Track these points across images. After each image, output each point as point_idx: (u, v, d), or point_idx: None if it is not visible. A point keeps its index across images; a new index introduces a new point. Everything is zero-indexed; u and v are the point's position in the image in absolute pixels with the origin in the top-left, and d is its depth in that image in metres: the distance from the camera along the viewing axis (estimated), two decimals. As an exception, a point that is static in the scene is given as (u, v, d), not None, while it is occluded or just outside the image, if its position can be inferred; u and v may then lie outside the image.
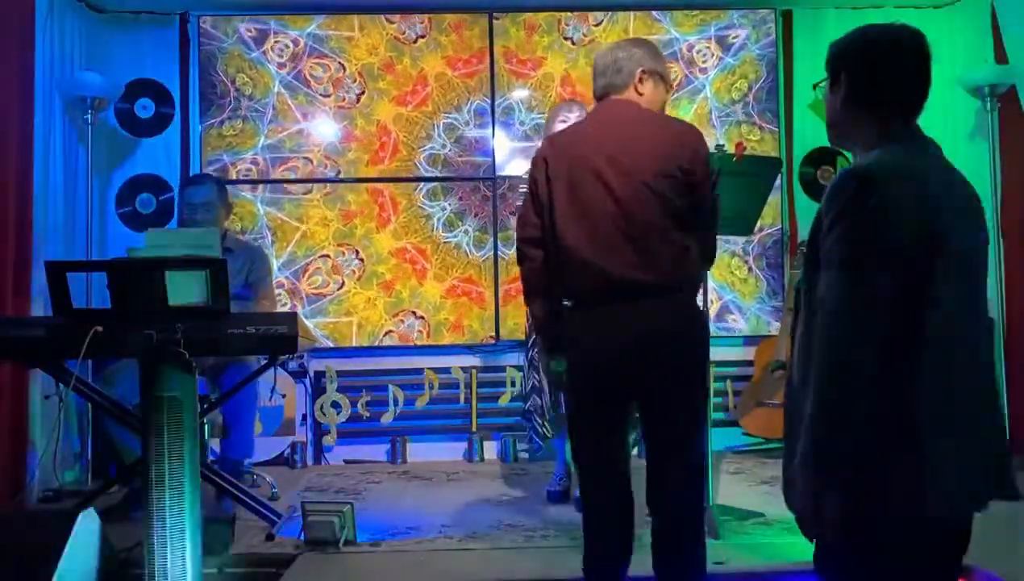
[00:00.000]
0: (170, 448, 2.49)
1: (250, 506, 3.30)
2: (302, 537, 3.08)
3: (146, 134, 4.81)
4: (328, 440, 4.78)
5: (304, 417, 4.78)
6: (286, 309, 4.67)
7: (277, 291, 4.48)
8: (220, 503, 3.41)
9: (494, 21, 4.91)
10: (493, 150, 4.90)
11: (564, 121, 3.51)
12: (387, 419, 4.80)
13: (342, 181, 4.85)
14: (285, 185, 4.84)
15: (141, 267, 2.83)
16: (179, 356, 2.59)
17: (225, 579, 2.89)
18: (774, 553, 2.94)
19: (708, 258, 2.40)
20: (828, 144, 1.92)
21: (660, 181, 2.21)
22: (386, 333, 4.82)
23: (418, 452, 4.77)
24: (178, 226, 4.52)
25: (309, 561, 2.95)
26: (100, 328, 2.69)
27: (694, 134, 2.34)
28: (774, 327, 4.84)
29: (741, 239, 4.80)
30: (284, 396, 4.68)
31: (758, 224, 4.71)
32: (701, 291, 3.42)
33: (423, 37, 4.90)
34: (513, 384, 4.76)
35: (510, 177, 4.84)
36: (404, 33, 4.89)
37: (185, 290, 2.75)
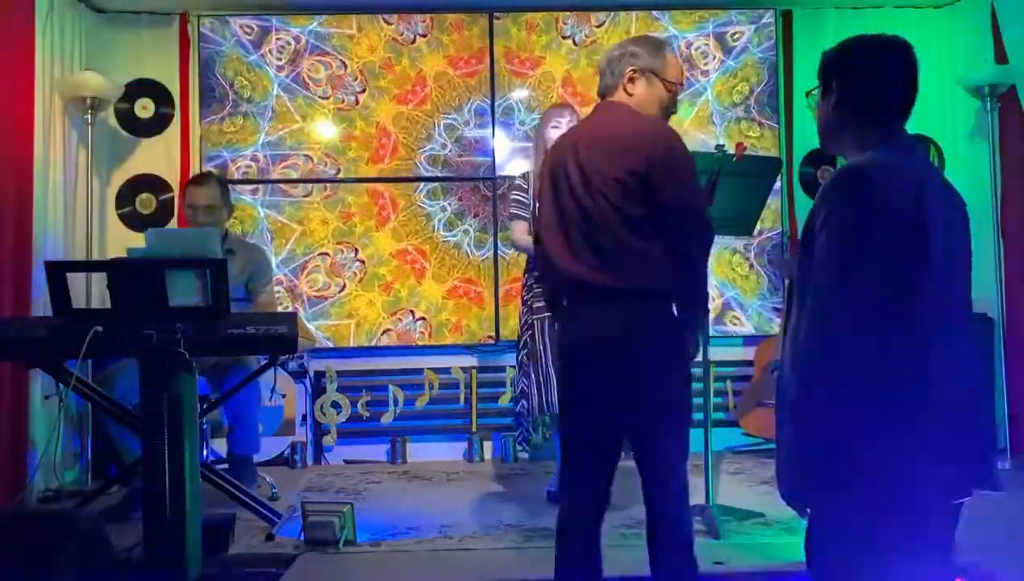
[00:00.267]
0: (170, 448, 2.50)
1: (250, 506, 3.30)
2: (302, 537, 3.08)
3: (146, 134, 4.81)
4: (328, 440, 4.78)
5: (304, 417, 4.78)
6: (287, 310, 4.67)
7: (276, 288, 4.48)
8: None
9: (496, 21, 4.91)
10: (493, 150, 4.90)
11: (556, 126, 3.54)
12: (387, 419, 4.80)
13: (342, 181, 4.84)
14: (285, 188, 4.83)
15: (141, 267, 2.84)
16: (179, 356, 2.59)
17: (225, 579, 2.90)
18: (774, 553, 2.94)
19: (683, 263, 2.22)
20: (828, 145, 1.94)
21: (613, 185, 2.19)
22: (384, 332, 4.82)
23: (418, 452, 4.77)
24: (182, 224, 4.53)
25: (309, 561, 2.95)
26: (100, 328, 2.69)
27: (655, 134, 2.24)
28: (776, 325, 4.84)
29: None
30: (284, 396, 4.68)
31: (758, 226, 4.74)
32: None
33: (424, 36, 4.90)
34: (513, 384, 4.76)
35: (510, 177, 4.84)
36: (402, 35, 4.89)
37: (185, 290, 2.75)
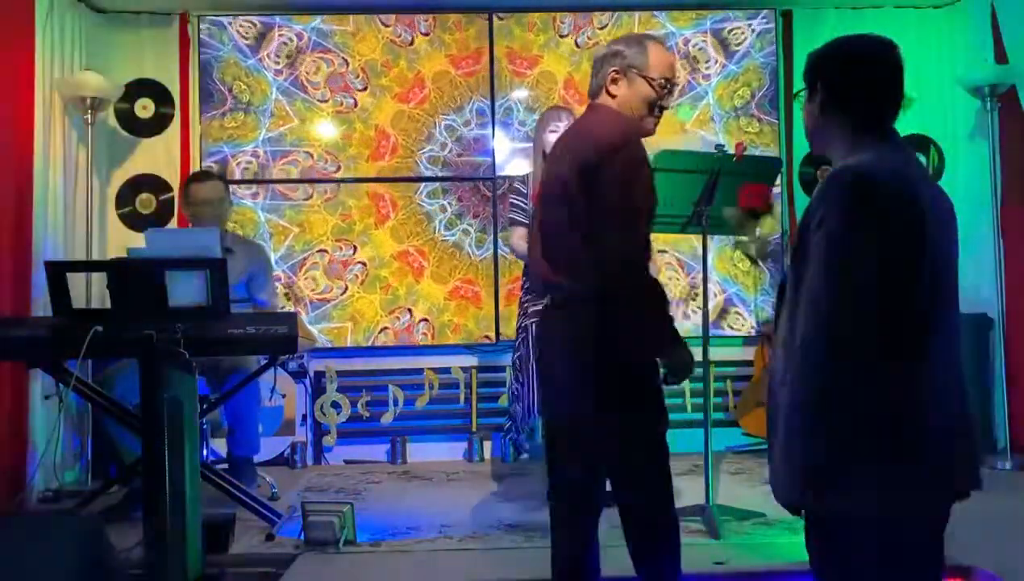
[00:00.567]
0: (170, 448, 2.49)
1: (250, 506, 3.30)
2: (302, 537, 3.08)
3: (146, 134, 4.81)
4: (328, 440, 4.78)
5: (304, 417, 4.78)
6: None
7: (275, 284, 4.48)
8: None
9: (499, 21, 4.91)
10: (493, 150, 4.91)
11: (554, 131, 3.55)
12: (387, 419, 4.80)
13: (342, 181, 4.84)
14: (285, 192, 4.83)
15: (141, 267, 2.84)
16: (179, 356, 2.59)
17: (225, 579, 2.90)
18: (774, 553, 2.94)
19: (609, 266, 2.12)
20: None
21: (561, 186, 2.23)
22: (381, 330, 4.82)
23: (418, 452, 4.77)
24: (182, 224, 4.53)
25: (309, 561, 2.95)
26: (100, 328, 2.69)
27: (602, 133, 2.20)
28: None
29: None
30: (284, 396, 4.68)
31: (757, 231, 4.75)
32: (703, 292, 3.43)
33: (427, 35, 4.90)
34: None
35: (511, 177, 4.84)
36: (400, 36, 4.89)
37: (185, 290, 2.75)
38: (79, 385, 3.13)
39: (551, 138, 3.45)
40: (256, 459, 3.97)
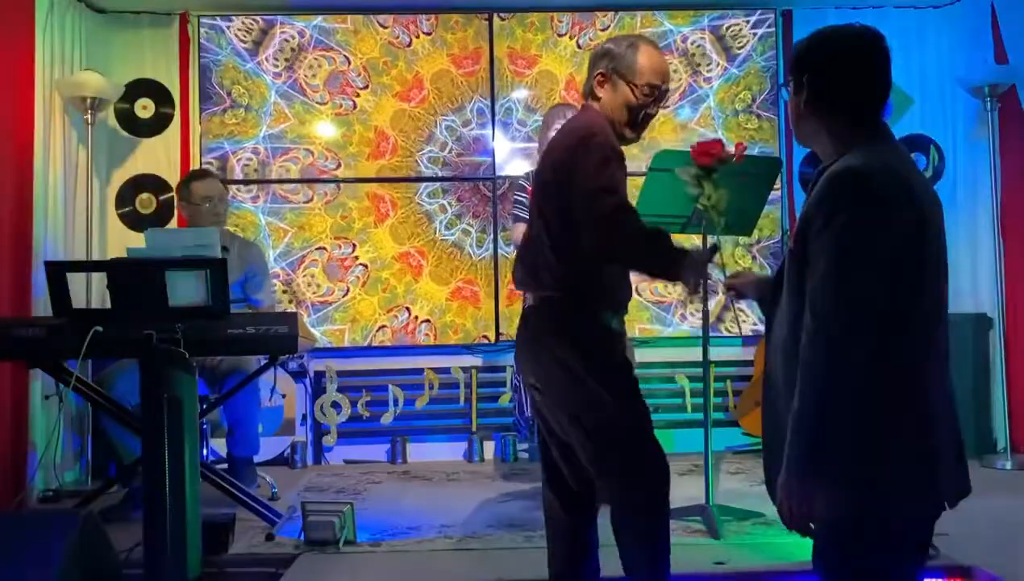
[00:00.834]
0: (170, 448, 2.49)
1: (250, 506, 3.30)
2: (302, 537, 3.08)
3: (146, 134, 4.81)
4: (328, 440, 4.78)
5: (304, 417, 4.78)
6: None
7: (273, 282, 4.49)
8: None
9: (501, 21, 4.91)
10: (493, 150, 4.91)
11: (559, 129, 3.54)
12: (387, 419, 4.80)
13: (342, 181, 4.84)
14: (285, 194, 4.83)
15: (141, 267, 2.84)
16: (179, 356, 2.59)
17: (225, 579, 2.90)
18: (774, 553, 2.93)
19: (602, 222, 2.04)
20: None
21: (539, 187, 2.25)
22: (379, 328, 4.82)
23: (418, 452, 4.78)
24: (184, 223, 4.53)
25: (309, 561, 2.95)
26: (100, 328, 2.69)
27: (568, 130, 2.20)
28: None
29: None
30: (284, 396, 4.69)
31: (757, 234, 4.74)
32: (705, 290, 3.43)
33: (429, 34, 4.90)
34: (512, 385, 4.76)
35: (511, 177, 4.85)
36: (397, 38, 4.89)
37: (185, 290, 2.75)
38: (79, 385, 3.12)
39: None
40: (256, 459, 3.97)
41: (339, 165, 4.86)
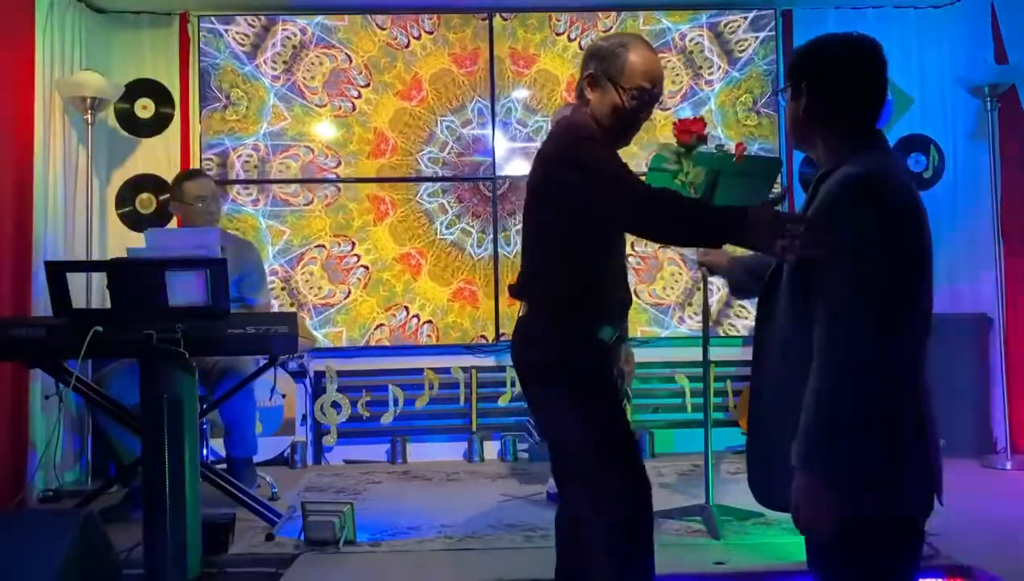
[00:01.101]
0: (170, 448, 2.49)
1: (250, 506, 3.30)
2: (302, 537, 3.08)
3: (146, 134, 4.81)
4: (328, 440, 4.78)
5: (304, 417, 4.78)
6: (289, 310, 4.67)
7: (271, 279, 4.48)
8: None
9: (504, 21, 4.90)
10: (493, 150, 4.91)
11: None
12: (387, 419, 4.80)
13: (342, 181, 4.84)
14: (285, 197, 4.82)
15: (141, 267, 2.84)
16: (179, 356, 2.59)
17: (225, 579, 2.90)
18: (774, 553, 2.94)
19: (658, 238, 2.08)
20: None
21: (530, 193, 2.16)
22: (377, 326, 4.81)
23: (418, 452, 4.77)
24: (178, 223, 4.52)
25: (309, 561, 2.95)
26: (100, 328, 2.69)
27: (555, 144, 2.10)
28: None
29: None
30: (284, 396, 4.68)
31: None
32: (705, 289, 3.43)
33: (431, 33, 4.90)
34: (513, 384, 4.76)
35: (510, 177, 4.85)
36: (395, 39, 4.89)
37: (185, 290, 2.75)
38: (79, 385, 3.12)
39: None
40: (256, 459, 3.97)
41: (339, 163, 4.86)
